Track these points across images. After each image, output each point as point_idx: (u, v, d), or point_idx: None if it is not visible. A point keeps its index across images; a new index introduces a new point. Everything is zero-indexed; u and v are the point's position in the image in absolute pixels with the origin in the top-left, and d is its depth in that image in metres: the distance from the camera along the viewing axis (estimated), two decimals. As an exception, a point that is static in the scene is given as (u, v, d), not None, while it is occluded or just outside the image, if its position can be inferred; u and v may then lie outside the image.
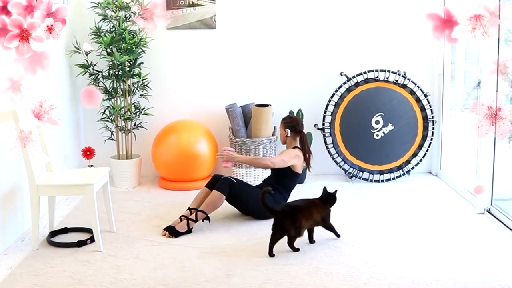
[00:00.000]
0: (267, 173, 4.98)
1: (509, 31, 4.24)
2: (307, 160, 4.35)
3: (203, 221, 3.99)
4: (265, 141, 5.11)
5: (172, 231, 3.88)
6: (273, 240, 3.55)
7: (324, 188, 3.81)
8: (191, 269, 3.34)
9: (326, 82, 5.43)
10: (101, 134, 5.32)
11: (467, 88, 5.30)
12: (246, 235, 3.90)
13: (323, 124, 5.30)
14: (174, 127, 5.16)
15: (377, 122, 5.28)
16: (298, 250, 3.60)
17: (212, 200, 3.99)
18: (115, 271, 3.31)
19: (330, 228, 3.82)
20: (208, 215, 3.99)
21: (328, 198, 3.78)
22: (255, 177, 5.13)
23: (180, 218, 3.98)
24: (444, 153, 5.50)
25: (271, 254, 3.53)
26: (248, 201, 4.18)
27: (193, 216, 3.95)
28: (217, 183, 4.06)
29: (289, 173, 4.25)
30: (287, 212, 3.59)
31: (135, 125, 5.28)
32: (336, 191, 3.79)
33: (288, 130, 4.32)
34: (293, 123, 4.35)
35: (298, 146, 4.34)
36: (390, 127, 5.27)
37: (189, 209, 4.04)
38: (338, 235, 3.82)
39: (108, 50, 4.98)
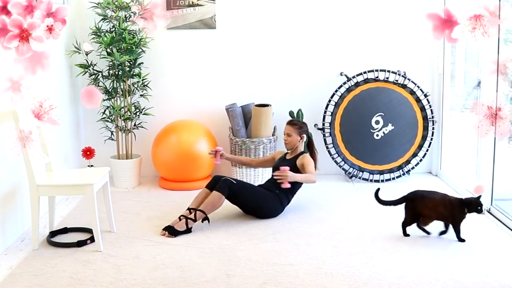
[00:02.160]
0: (267, 172, 4.98)
1: (508, 31, 4.24)
2: (315, 161, 4.46)
3: (202, 221, 3.99)
4: (265, 141, 5.11)
5: (171, 231, 3.88)
6: (404, 223, 3.88)
7: (479, 197, 3.74)
8: (191, 269, 3.34)
9: (326, 82, 5.44)
10: (101, 134, 5.32)
11: (467, 88, 5.30)
12: (246, 235, 3.90)
13: (323, 124, 5.31)
14: (174, 127, 5.16)
15: (377, 122, 5.28)
16: (408, 235, 3.82)
17: (212, 200, 4.00)
18: (115, 271, 3.31)
19: (456, 229, 3.78)
20: (207, 215, 4.00)
21: (467, 203, 3.73)
22: (255, 177, 5.13)
23: (179, 217, 3.98)
24: (444, 153, 5.50)
25: (404, 234, 3.86)
26: (249, 201, 4.20)
27: (192, 216, 3.95)
28: (217, 184, 4.08)
29: None
30: (409, 198, 3.86)
31: (135, 125, 5.28)
32: (479, 200, 3.70)
33: (305, 136, 4.44)
34: (306, 128, 4.50)
35: (304, 150, 4.48)
36: (390, 127, 5.27)
37: (189, 209, 4.04)
38: (461, 240, 3.75)
39: (108, 50, 4.98)
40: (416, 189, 3.97)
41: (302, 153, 4.44)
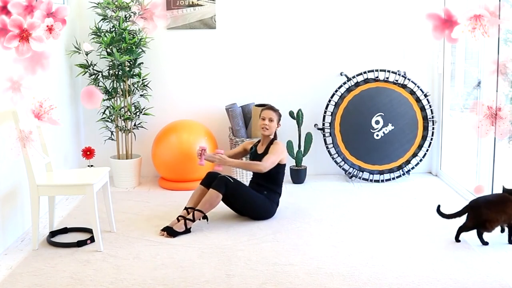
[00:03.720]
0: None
1: (508, 31, 4.24)
2: None
3: (200, 219, 3.98)
4: (265, 141, 5.10)
5: (170, 232, 3.87)
6: (461, 228, 3.75)
7: None
8: (191, 269, 3.34)
9: (326, 82, 5.44)
10: (101, 134, 5.32)
11: (467, 88, 5.30)
12: (246, 235, 3.90)
13: (323, 124, 5.30)
14: (174, 127, 5.16)
15: (377, 122, 5.28)
16: (486, 243, 3.66)
17: (209, 198, 3.98)
18: (115, 271, 3.31)
19: None
20: (206, 214, 3.99)
21: None
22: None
23: (177, 218, 3.97)
24: (444, 153, 5.50)
25: (456, 239, 3.74)
26: (245, 200, 4.16)
27: (190, 216, 3.94)
28: (214, 181, 4.04)
29: (276, 168, 4.20)
30: (473, 207, 3.72)
31: (135, 125, 5.28)
32: None
33: (280, 124, 4.34)
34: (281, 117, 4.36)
35: (272, 136, 4.33)
36: (390, 127, 5.27)
37: (186, 208, 4.03)
38: None
39: (108, 50, 4.98)
40: (477, 197, 3.79)
41: (273, 140, 4.29)
